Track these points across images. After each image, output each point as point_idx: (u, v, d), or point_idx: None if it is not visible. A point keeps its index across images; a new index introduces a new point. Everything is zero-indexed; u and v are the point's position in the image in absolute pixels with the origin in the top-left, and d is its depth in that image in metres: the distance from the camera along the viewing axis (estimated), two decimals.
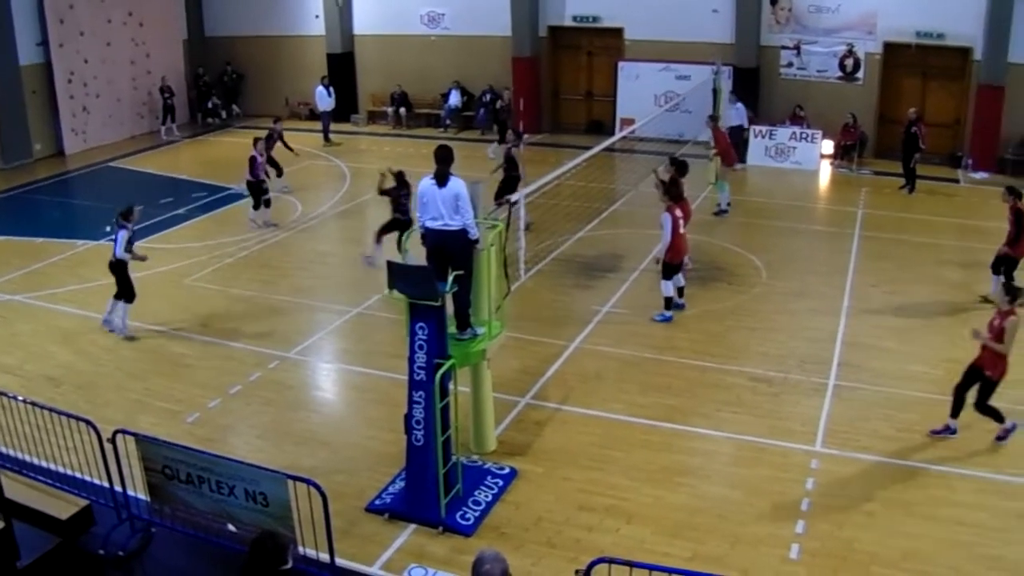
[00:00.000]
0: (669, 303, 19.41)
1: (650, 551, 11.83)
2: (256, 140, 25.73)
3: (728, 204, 26.80)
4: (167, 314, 19.58)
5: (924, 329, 19.16)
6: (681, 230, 19.31)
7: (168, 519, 11.86)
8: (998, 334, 14.23)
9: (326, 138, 36.51)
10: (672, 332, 18.67)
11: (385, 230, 21.41)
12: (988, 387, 14.42)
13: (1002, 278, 19.67)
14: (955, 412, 14.77)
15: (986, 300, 19.86)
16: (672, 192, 19.78)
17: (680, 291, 19.83)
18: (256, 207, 25.09)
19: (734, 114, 33.08)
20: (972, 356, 14.73)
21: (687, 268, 20.65)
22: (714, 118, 27.80)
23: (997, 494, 13.32)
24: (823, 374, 17.00)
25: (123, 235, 18.05)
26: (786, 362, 17.46)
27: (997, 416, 14.48)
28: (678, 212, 19.30)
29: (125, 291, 18.38)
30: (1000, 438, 14.58)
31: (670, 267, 19.29)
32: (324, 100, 36.98)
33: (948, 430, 14.80)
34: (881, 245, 24.50)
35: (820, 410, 15.77)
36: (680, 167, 21.66)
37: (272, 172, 27.10)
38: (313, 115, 39.70)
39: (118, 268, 18.26)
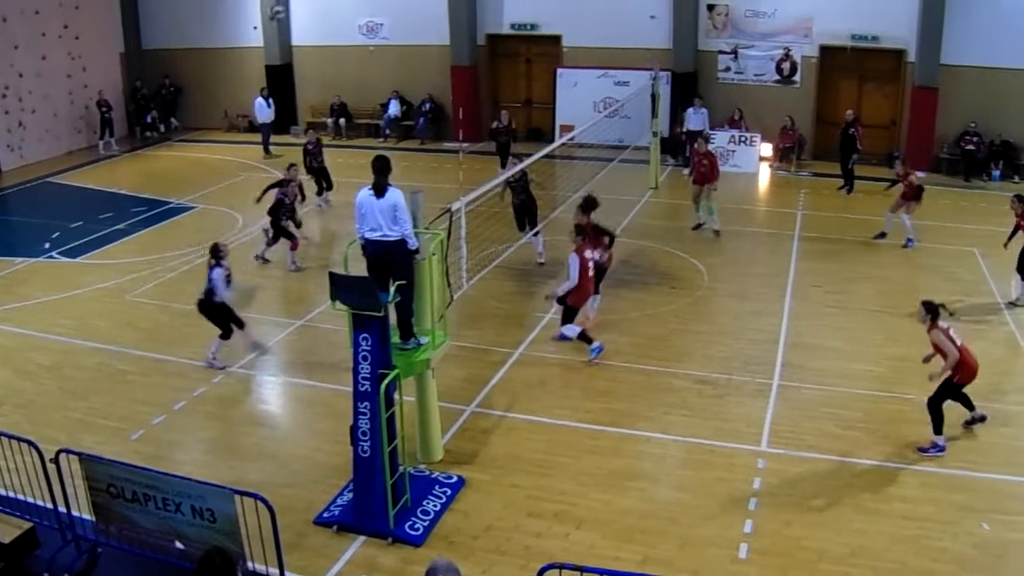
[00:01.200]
0: (585, 335, 17.81)
1: (600, 556, 11.88)
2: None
3: (715, 228, 25.71)
4: (109, 331, 19.37)
5: (866, 328, 19.34)
6: (591, 273, 18.02)
7: (114, 539, 11.69)
8: (935, 348, 14.63)
9: (266, 150, 36.22)
10: (616, 337, 18.67)
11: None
12: (950, 388, 14.58)
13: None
14: (937, 427, 14.63)
15: (1014, 304, 20.37)
16: (583, 233, 18.31)
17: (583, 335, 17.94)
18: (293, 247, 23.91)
19: (696, 118, 33.39)
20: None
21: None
22: (706, 139, 27.49)
23: (942, 488, 13.48)
24: (767, 375, 17.13)
25: (219, 273, 17.50)
26: (730, 364, 17.57)
27: (937, 424, 14.57)
28: (589, 253, 18.06)
29: (226, 327, 17.91)
30: (922, 449, 14.60)
31: (571, 311, 17.89)
32: (264, 112, 36.72)
33: (935, 447, 14.61)
34: (821, 246, 24.73)
35: (765, 411, 15.90)
36: (585, 205, 19.48)
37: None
38: (252, 127, 39.55)
39: (214, 309, 17.71)
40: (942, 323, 14.61)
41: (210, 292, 17.50)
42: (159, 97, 41.25)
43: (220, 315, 17.73)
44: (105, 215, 27.81)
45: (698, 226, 25.90)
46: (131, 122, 41.02)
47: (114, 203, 29.73)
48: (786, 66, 34.95)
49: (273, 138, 36.71)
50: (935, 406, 14.55)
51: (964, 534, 12.48)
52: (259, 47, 40.00)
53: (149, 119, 40.41)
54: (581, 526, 12.69)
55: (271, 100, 37.08)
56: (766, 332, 19.04)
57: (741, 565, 11.92)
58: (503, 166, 29.02)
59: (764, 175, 33.33)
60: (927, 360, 14.99)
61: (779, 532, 12.55)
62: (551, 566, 9.02)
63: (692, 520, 12.81)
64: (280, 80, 39.75)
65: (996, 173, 32.11)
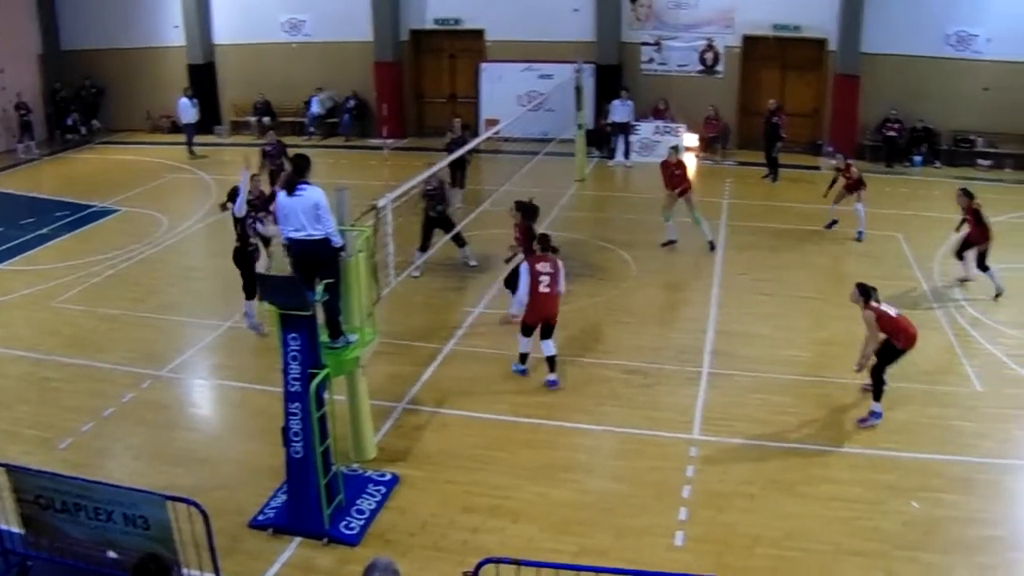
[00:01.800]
0: (524, 358, 16.94)
1: (537, 549, 11.90)
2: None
3: (708, 239, 24.26)
4: (34, 338, 19.03)
5: (793, 314, 19.55)
6: (543, 287, 16.15)
7: (45, 551, 11.49)
8: (882, 325, 15.00)
9: (190, 151, 35.87)
10: None
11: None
12: (892, 353, 15.04)
13: (991, 271, 20.39)
14: (876, 394, 15.27)
15: (998, 295, 20.43)
16: (528, 241, 17.12)
17: (551, 361, 16.60)
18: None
19: (623, 110, 33.47)
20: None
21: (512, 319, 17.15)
22: (676, 148, 26.28)
23: (870, 468, 13.69)
24: (697, 363, 17.25)
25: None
26: (661, 353, 17.67)
27: (878, 391, 15.09)
28: (541, 266, 16.14)
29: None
30: (862, 420, 15.10)
31: (527, 327, 16.65)
32: (187, 112, 36.30)
33: (873, 415, 15.19)
34: (748, 234, 24.94)
35: (696, 399, 16.04)
36: (525, 211, 18.75)
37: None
38: (176, 128, 39.11)
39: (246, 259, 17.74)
40: (874, 304, 15.03)
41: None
42: (79, 99, 40.52)
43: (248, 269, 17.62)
44: (26, 220, 27.35)
45: (669, 242, 24.26)
46: (51, 125, 40.24)
47: (36, 208, 29.24)
48: (709, 57, 35.24)
49: (197, 138, 36.33)
50: (877, 373, 15.07)
51: (894, 513, 12.72)
52: (181, 46, 39.45)
53: (70, 121, 39.62)
54: (517, 520, 12.71)
55: (195, 100, 36.67)
56: (695, 321, 19.17)
57: (677, 553, 12.01)
58: (461, 185, 26.53)
59: (689, 165, 33.46)
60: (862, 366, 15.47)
61: (713, 519, 12.67)
62: (488, 560, 9.03)
63: (627, 510, 12.88)
64: (202, 79, 39.27)
65: (918, 158, 32.66)
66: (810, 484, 13.32)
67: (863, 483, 13.41)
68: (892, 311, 15.07)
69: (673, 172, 24.17)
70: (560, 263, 16.49)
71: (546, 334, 16.46)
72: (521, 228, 18.43)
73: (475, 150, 23.31)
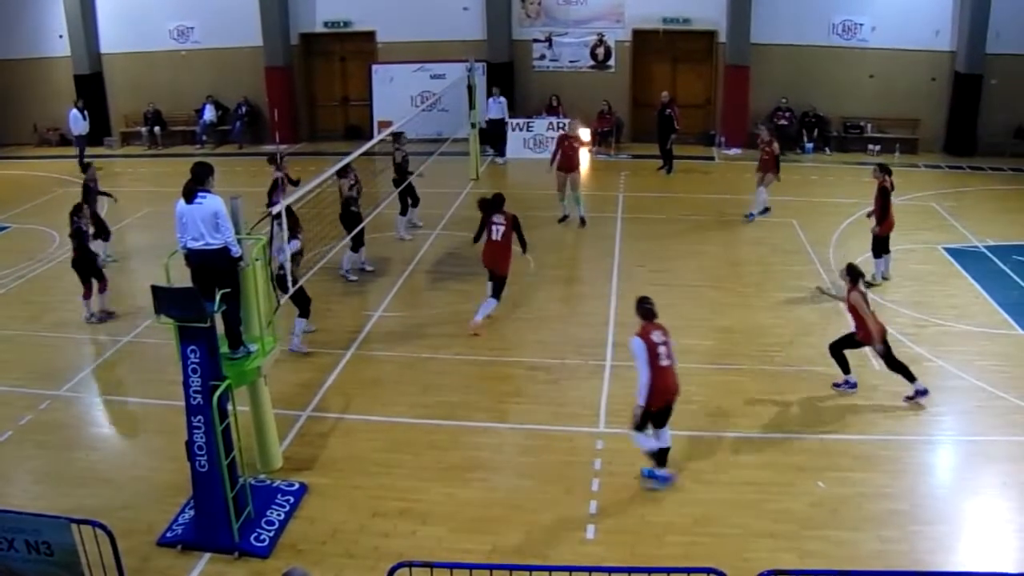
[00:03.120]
0: (664, 458, 13.42)
1: (449, 549, 11.87)
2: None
3: (581, 215, 25.65)
4: None
5: (691, 303, 19.69)
6: (663, 361, 12.98)
7: None
8: (853, 311, 15.58)
9: (81, 164, 35.05)
10: (445, 330, 18.74)
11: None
12: (850, 343, 15.81)
13: (884, 259, 20.84)
14: (843, 367, 16.05)
15: (870, 284, 20.45)
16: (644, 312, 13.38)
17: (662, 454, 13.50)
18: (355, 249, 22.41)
19: (496, 108, 33.49)
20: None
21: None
22: (574, 124, 27.46)
23: (777, 452, 13.89)
24: (600, 357, 17.31)
25: (295, 245, 17.11)
26: (563, 348, 17.71)
27: (845, 367, 15.98)
28: (655, 335, 13.02)
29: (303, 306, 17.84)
30: (836, 384, 16.08)
31: (647, 414, 13.09)
32: (78, 124, 35.51)
33: (848, 384, 16.06)
34: (644, 226, 25.12)
35: (600, 392, 16.09)
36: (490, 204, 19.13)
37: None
38: (65, 140, 38.56)
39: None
40: (861, 288, 15.59)
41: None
42: None
43: (297, 292, 17.17)
44: None
45: (564, 218, 25.69)
46: None
47: None
48: (600, 51, 35.54)
49: (88, 150, 35.65)
50: (836, 352, 15.85)
51: (802, 494, 12.94)
52: (66, 56, 38.57)
53: None
54: (427, 521, 12.64)
55: (86, 112, 35.91)
56: (595, 315, 19.24)
57: (589, 546, 12.05)
58: (415, 205, 25.53)
59: (584, 160, 33.65)
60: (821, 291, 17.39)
61: (624, 510, 12.74)
62: (401, 564, 8.96)
63: (537, 506, 12.88)
64: (90, 90, 38.47)
65: (809, 146, 33.24)
66: (718, 470, 13.44)
67: (771, 466, 13.61)
68: (871, 306, 15.64)
69: (571, 145, 25.21)
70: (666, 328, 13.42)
71: (663, 420, 13.21)
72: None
73: (369, 152, 23.11)
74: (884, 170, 20.67)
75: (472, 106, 30.71)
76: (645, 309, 13.20)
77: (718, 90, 34.87)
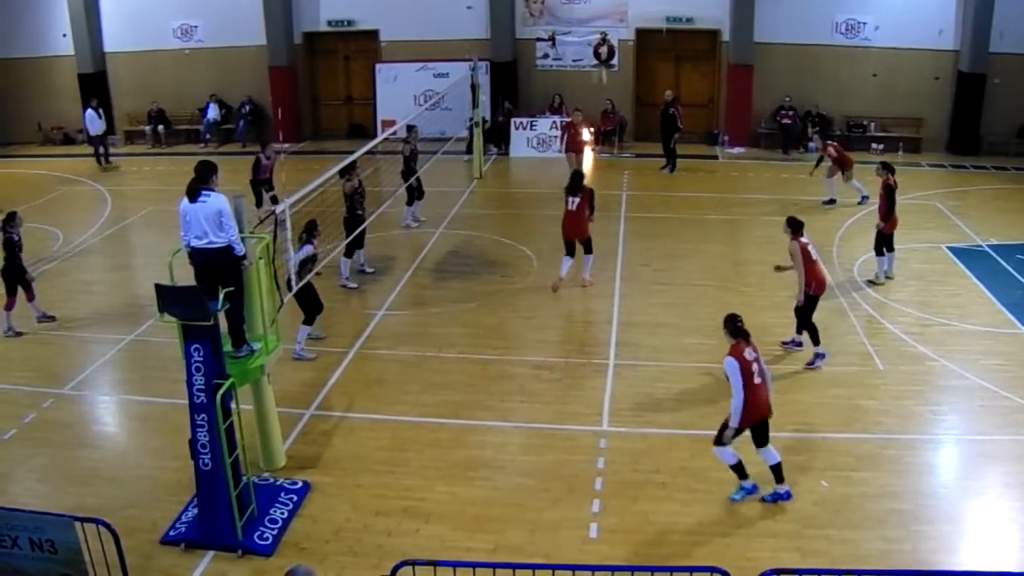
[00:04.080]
0: (743, 471, 13.00)
1: (452, 548, 11.88)
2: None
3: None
4: None
5: (695, 302, 19.70)
6: (756, 379, 12.59)
7: None
8: (793, 261, 16.62)
9: (99, 162, 35.08)
10: (449, 329, 18.74)
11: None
12: (810, 301, 16.44)
13: (888, 258, 20.85)
14: (814, 339, 16.76)
15: (872, 283, 20.78)
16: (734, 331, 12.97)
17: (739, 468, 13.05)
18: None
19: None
20: (744, 323, 15.26)
21: None
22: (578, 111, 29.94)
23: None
24: (603, 355, 17.32)
25: (308, 250, 17.35)
26: (566, 347, 17.74)
27: (815, 336, 16.68)
28: (748, 353, 12.63)
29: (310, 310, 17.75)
30: (809, 363, 16.65)
31: (736, 432, 12.75)
32: (95, 124, 35.31)
33: (818, 356, 16.78)
34: (647, 225, 25.12)
35: (603, 391, 16.09)
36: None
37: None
38: (69, 139, 38.79)
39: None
40: (802, 239, 16.42)
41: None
42: None
43: (306, 297, 17.34)
44: None
45: None
46: None
47: None
48: (603, 50, 35.52)
49: (90, 149, 35.57)
50: (806, 323, 16.44)
51: (804, 493, 12.94)
52: (70, 55, 38.53)
53: None
54: (430, 520, 12.65)
55: (101, 111, 35.73)
56: (599, 313, 19.26)
57: (593, 544, 12.05)
58: (420, 198, 25.89)
59: (587, 159, 33.67)
60: (779, 269, 17.79)
61: (627, 509, 12.73)
62: (404, 563, 8.97)
63: (540, 504, 12.89)
64: (94, 89, 38.46)
65: (812, 145, 33.03)
66: (720, 469, 13.36)
67: None
68: (815, 254, 16.43)
69: (577, 130, 27.92)
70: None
71: (764, 438, 12.84)
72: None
73: (372, 152, 23.18)
74: (887, 168, 20.64)
75: (475, 105, 30.68)
76: (735, 327, 12.80)
77: (721, 89, 34.81)
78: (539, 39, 35.91)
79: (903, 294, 19.88)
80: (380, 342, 18.46)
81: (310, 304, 17.58)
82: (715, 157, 33.27)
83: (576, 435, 14.73)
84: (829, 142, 26.67)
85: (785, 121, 33.34)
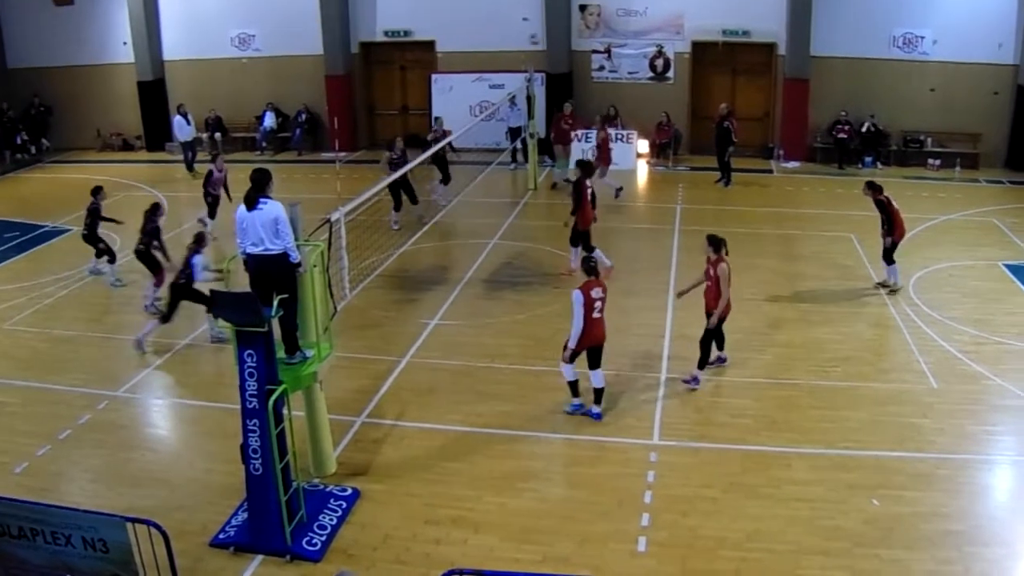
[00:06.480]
0: (576, 389, 15.90)
1: (500, 559, 11.89)
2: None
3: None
4: None
5: (748, 317, 19.54)
6: (596, 313, 15.46)
7: None
8: (715, 281, 16.06)
9: (189, 168, 35.40)
10: (501, 340, 18.74)
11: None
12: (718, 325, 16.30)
13: (894, 266, 20.87)
14: (702, 363, 16.58)
15: (883, 285, 20.92)
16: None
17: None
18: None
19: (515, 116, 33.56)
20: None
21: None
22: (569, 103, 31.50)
23: (831, 468, 13.77)
24: (655, 369, 17.28)
25: (199, 260, 18.40)
26: (618, 360, 17.64)
27: (705, 358, 16.52)
28: (595, 292, 15.42)
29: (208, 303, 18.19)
30: (686, 380, 16.62)
31: (574, 354, 15.60)
32: (183, 130, 35.74)
33: (694, 380, 16.54)
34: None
35: (655, 404, 16.05)
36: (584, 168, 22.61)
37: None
38: (127, 145, 39.46)
39: (190, 292, 18.60)
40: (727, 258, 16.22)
41: (189, 276, 18.13)
42: (28, 117, 40.07)
43: (197, 296, 18.27)
44: None
45: (554, 185, 29.08)
46: None
47: None
48: (659, 63, 35.47)
49: (147, 155, 36.01)
50: (707, 345, 16.42)
51: (855, 511, 12.80)
52: (130, 63, 39.14)
53: (19, 140, 39.21)
54: (478, 530, 12.66)
55: (190, 117, 36.01)
56: (652, 327, 19.19)
57: (641, 558, 12.00)
58: (414, 202, 26.82)
59: (642, 171, 33.71)
60: (681, 295, 17.56)
61: (676, 523, 12.67)
62: (452, 572, 9.01)
63: (588, 517, 12.86)
64: (152, 96, 39.03)
65: (868, 160, 32.90)
66: (772, 485, 13.37)
67: (824, 483, 13.48)
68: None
69: (566, 120, 29.06)
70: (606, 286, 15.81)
71: (596, 362, 15.61)
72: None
73: (430, 160, 23.44)
74: (872, 187, 20.86)
75: (531, 116, 30.71)
76: (589, 267, 15.68)
77: (777, 103, 34.65)
78: (595, 51, 35.93)
79: (959, 311, 19.67)
80: (432, 352, 18.50)
81: (202, 300, 18.20)
82: (770, 171, 33.14)
83: (627, 448, 14.69)
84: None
85: (841, 136, 33.11)
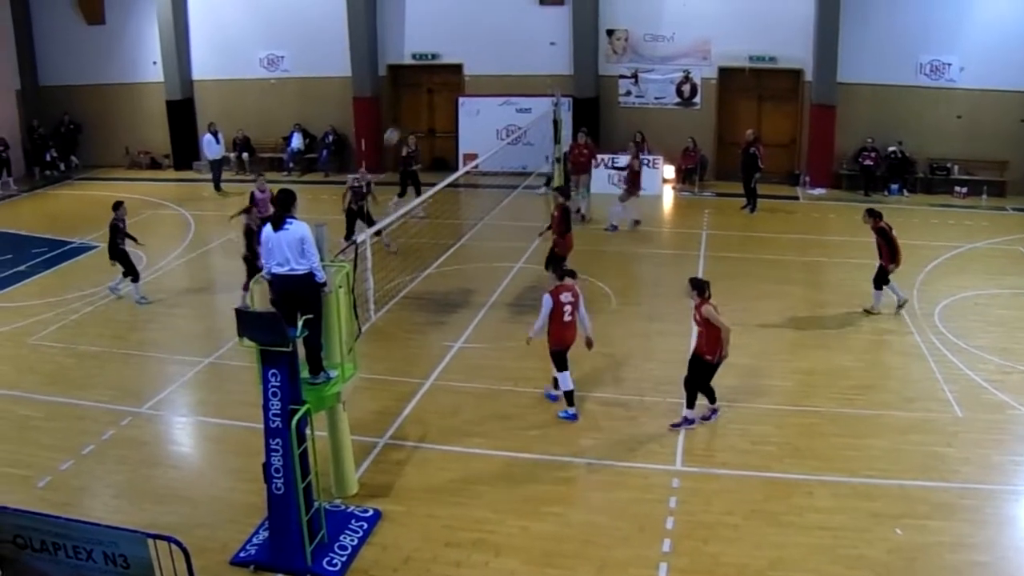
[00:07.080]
0: (572, 399, 16.73)
1: None
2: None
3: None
4: (11, 376, 18.89)
5: (772, 343, 19.57)
6: (566, 317, 16.44)
7: None
8: (704, 325, 15.63)
9: (217, 187, 35.82)
10: (525, 363, 18.60)
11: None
12: (709, 369, 15.81)
13: (879, 292, 20.98)
14: (691, 402, 16.11)
15: (900, 305, 20.93)
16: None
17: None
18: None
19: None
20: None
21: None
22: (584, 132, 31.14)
23: (854, 496, 13.70)
24: (678, 394, 17.14)
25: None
26: (641, 385, 17.65)
27: (695, 399, 16.14)
28: (564, 296, 16.41)
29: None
30: (675, 424, 16.20)
31: (560, 356, 16.61)
32: (213, 148, 36.17)
33: (687, 421, 16.12)
34: (726, 264, 24.98)
35: (677, 430, 15.96)
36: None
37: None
38: (155, 163, 39.74)
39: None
40: (711, 300, 15.83)
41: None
42: (58, 135, 40.39)
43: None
44: (4, 257, 27.27)
45: (577, 210, 28.52)
46: (29, 161, 40.05)
47: (14, 244, 29.12)
48: (686, 88, 35.52)
49: (175, 174, 36.22)
50: (692, 387, 16.06)
51: (878, 540, 12.72)
52: (159, 82, 39.45)
53: (48, 157, 39.50)
54: (500, 553, 12.64)
55: (220, 136, 36.45)
56: (675, 352, 19.09)
57: None
58: (418, 193, 27.97)
59: (668, 197, 33.71)
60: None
61: (698, 549, 12.63)
62: None
63: (610, 542, 12.83)
64: (181, 115, 39.31)
65: (894, 187, 32.81)
66: (794, 513, 13.32)
67: (847, 511, 13.40)
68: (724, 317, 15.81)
69: (582, 151, 29.11)
70: (579, 289, 16.85)
71: (564, 365, 16.59)
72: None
73: (454, 184, 23.48)
74: (873, 214, 20.94)
75: (557, 140, 30.75)
76: (561, 272, 16.65)
77: (803, 129, 34.63)
78: (622, 76, 36.01)
79: (984, 340, 19.57)
80: (456, 374, 18.53)
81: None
82: (796, 198, 33.09)
83: (648, 473, 14.66)
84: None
85: (867, 163, 33.04)
